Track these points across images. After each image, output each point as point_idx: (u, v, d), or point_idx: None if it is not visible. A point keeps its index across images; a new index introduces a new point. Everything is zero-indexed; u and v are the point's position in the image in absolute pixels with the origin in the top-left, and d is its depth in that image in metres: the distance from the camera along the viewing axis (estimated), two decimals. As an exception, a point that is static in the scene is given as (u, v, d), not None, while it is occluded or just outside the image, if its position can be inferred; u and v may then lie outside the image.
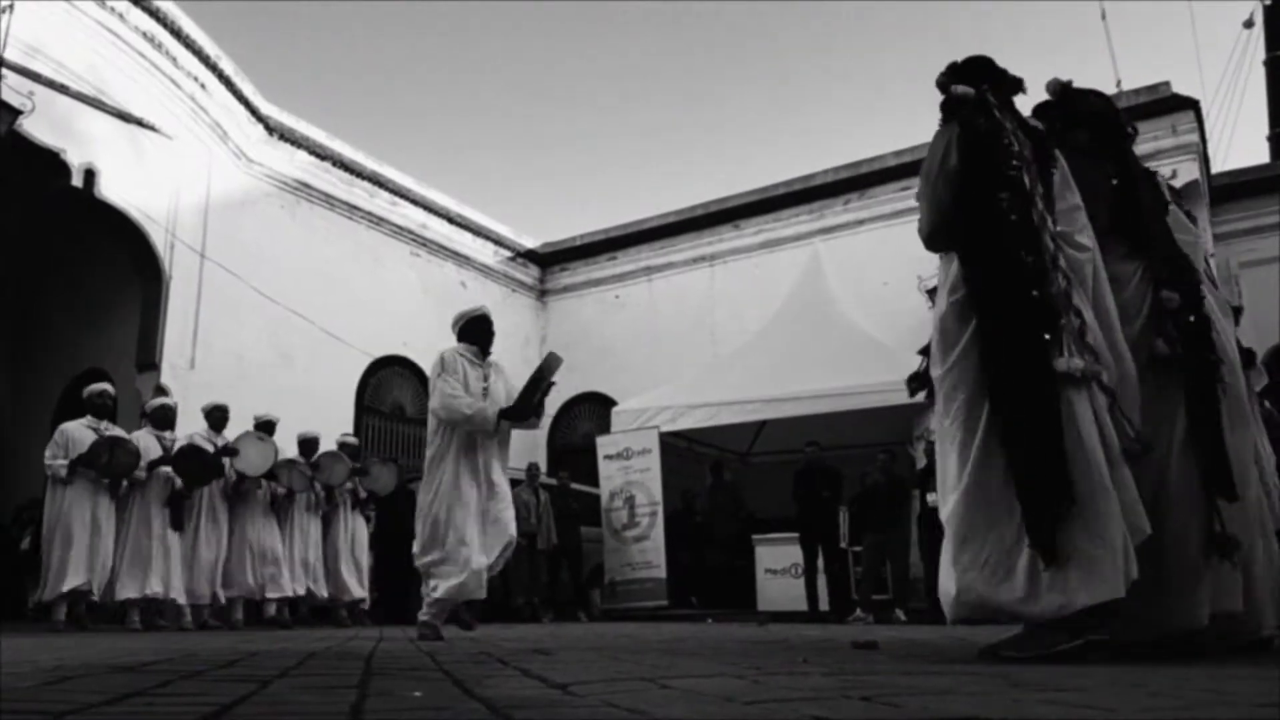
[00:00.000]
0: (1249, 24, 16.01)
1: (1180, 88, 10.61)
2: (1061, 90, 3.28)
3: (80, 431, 6.89)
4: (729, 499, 10.80)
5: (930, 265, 12.32)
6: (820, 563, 8.87)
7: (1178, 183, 10.47)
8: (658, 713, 1.52)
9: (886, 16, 45.33)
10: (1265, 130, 15.67)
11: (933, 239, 3.03)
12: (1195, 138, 10.59)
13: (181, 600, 6.95)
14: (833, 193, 12.58)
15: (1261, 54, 15.73)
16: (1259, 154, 16.16)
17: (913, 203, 12.87)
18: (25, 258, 10.96)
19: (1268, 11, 15.42)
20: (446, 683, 2.10)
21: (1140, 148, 11.94)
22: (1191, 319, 3.10)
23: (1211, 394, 3.05)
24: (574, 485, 10.31)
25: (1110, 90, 11.33)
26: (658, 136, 48.47)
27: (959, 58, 3.10)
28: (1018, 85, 3.06)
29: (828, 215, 12.61)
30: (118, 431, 7.06)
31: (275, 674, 2.30)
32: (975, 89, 2.97)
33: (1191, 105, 10.59)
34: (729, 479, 11.17)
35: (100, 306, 10.55)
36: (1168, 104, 10.57)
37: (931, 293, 11.19)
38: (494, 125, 48.47)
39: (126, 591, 6.74)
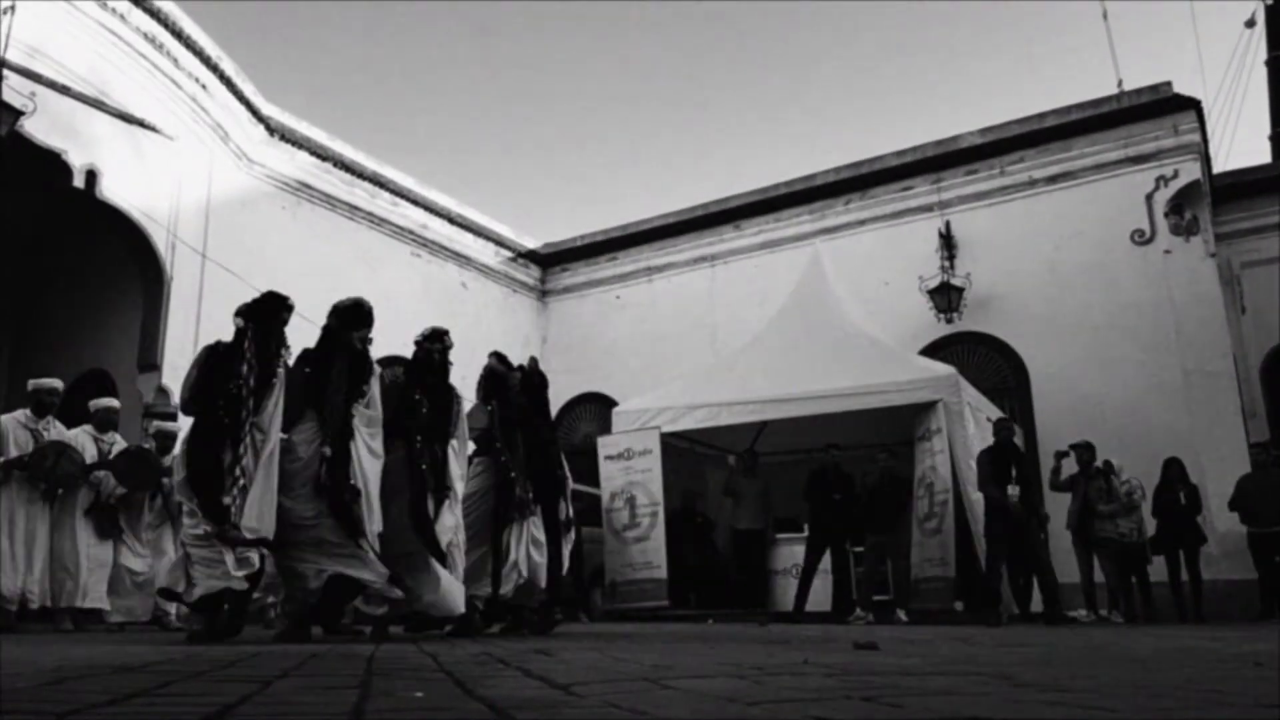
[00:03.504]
0: (1250, 23, 16.01)
1: (1182, 87, 10.59)
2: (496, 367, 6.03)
3: (15, 428, 6.50)
4: (762, 490, 10.24)
5: (930, 266, 12.23)
6: (828, 564, 8.86)
7: (1180, 183, 10.49)
8: (659, 713, 1.51)
9: (886, 16, 45.31)
10: (1267, 130, 15.67)
11: (184, 409, 4.76)
12: (1197, 138, 10.56)
13: (107, 606, 6.64)
14: (833, 193, 12.55)
15: (1263, 54, 15.72)
16: (1261, 154, 16.14)
17: (913, 203, 12.97)
18: (26, 258, 10.97)
19: (1269, 11, 15.41)
20: (448, 683, 2.10)
21: (1141, 147, 11.95)
22: None
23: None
24: (575, 485, 10.29)
25: (1111, 90, 11.38)
26: (658, 137, 48.46)
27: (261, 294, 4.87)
28: (280, 308, 4.79)
29: (828, 215, 12.59)
30: (59, 429, 6.74)
31: (277, 674, 2.30)
32: (242, 319, 4.66)
33: (1193, 105, 10.56)
34: (759, 467, 10.33)
35: (101, 307, 10.55)
36: (1169, 104, 10.54)
37: (931, 293, 11.21)
38: (495, 126, 48.47)
39: (59, 600, 6.48)
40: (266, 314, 4.72)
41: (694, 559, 10.12)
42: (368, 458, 4.72)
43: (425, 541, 4.81)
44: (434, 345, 5.39)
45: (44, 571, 6.46)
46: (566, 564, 6.23)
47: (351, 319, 4.97)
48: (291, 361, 4.86)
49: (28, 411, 6.67)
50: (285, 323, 4.85)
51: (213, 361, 4.64)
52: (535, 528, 5.86)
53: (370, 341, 5.05)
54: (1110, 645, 3.98)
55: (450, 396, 5.34)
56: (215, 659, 2.89)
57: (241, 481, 4.33)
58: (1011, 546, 7.61)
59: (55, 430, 6.73)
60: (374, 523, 4.64)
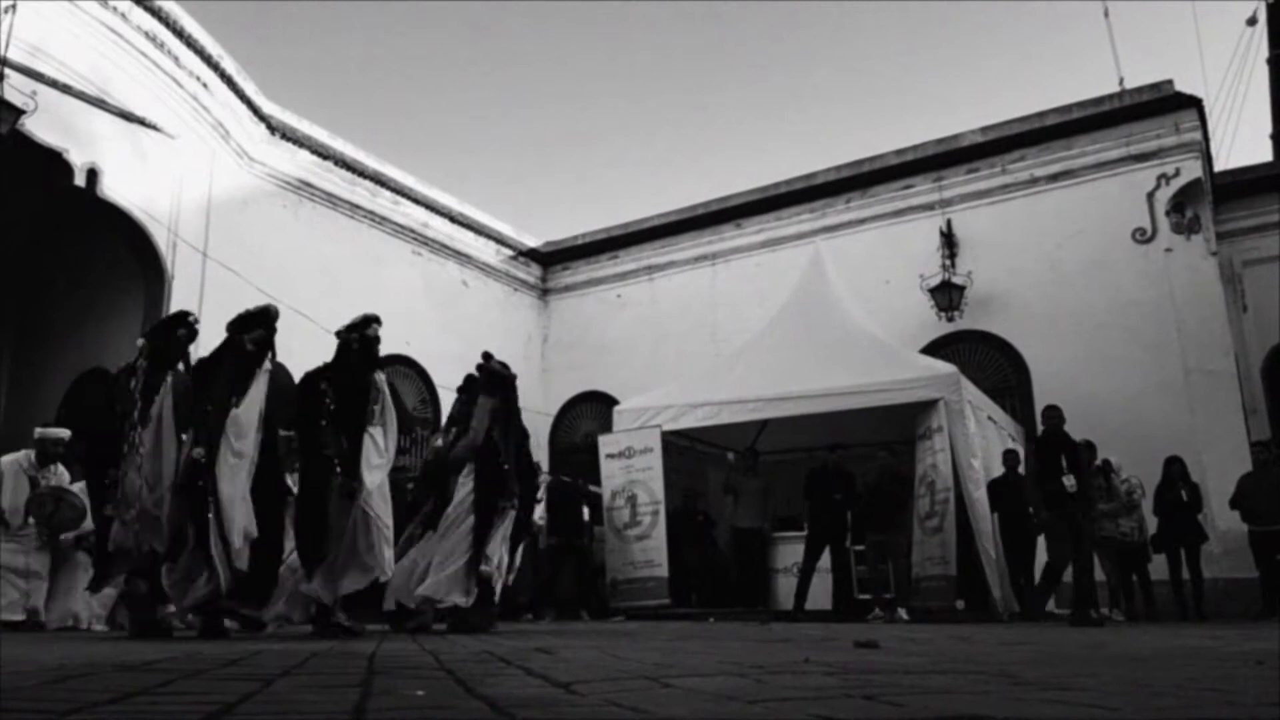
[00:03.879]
0: (1252, 21, 15.95)
1: (1183, 85, 10.57)
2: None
3: (16, 473, 6.42)
4: (762, 488, 10.30)
5: (931, 264, 12.21)
6: (827, 563, 8.85)
7: (1181, 181, 10.47)
8: (660, 712, 1.52)
9: (886, 16, 45.24)
10: (1268, 128, 15.64)
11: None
12: (1198, 136, 10.54)
13: (100, 626, 6.58)
14: (834, 191, 12.53)
15: (1264, 52, 15.68)
16: (1262, 152, 16.12)
17: (914, 201, 12.98)
18: (27, 257, 10.96)
19: (1271, 9, 15.37)
20: (449, 681, 2.10)
21: (1143, 146, 11.93)
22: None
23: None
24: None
25: (1112, 88, 11.36)
26: (659, 136, 48.41)
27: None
28: (178, 324, 4.98)
29: (829, 214, 12.58)
30: (63, 477, 6.62)
31: (278, 673, 2.30)
32: (144, 338, 4.96)
33: (1194, 103, 10.54)
34: (760, 464, 10.32)
35: (102, 306, 10.54)
36: (1171, 102, 10.53)
37: (932, 291, 11.21)
38: (496, 125, 48.42)
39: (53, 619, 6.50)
40: (164, 330, 4.93)
41: (695, 557, 10.12)
42: (229, 458, 4.67)
43: (301, 544, 4.95)
44: (351, 335, 5.29)
45: (40, 600, 6.43)
46: (517, 565, 6.25)
47: (254, 324, 4.98)
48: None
49: (31, 457, 6.56)
50: (189, 338, 4.97)
51: (116, 380, 4.91)
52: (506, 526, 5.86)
53: (267, 342, 5.03)
54: (1110, 644, 3.98)
55: (368, 385, 5.19)
56: (216, 657, 2.90)
57: (121, 491, 4.53)
58: (1023, 547, 7.51)
59: (56, 479, 6.62)
60: (237, 518, 4.60)
